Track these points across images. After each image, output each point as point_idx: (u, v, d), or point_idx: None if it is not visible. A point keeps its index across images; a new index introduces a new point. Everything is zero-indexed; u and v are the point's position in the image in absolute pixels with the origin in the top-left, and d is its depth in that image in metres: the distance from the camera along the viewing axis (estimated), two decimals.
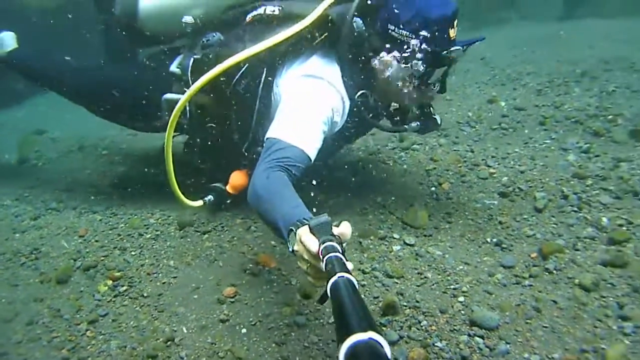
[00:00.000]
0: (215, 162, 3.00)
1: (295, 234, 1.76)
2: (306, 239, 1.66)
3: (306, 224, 1.74)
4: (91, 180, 3.80)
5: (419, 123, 2.70)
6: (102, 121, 3.34)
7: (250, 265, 2.53)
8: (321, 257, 1.54)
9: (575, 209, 3.35)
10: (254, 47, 2.38)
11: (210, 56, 2.70)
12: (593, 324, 2.49)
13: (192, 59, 2.81)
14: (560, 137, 3.93)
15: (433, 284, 2.46)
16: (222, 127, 2.82)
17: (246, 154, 2.78)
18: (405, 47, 2.42)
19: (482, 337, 2.15)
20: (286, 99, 2.43)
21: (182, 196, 2.69)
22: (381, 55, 2.49)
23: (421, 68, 2.43)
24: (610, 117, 4.14)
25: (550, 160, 3.67)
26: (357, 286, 1.35)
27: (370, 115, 2.63)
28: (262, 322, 2.20)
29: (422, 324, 2.22)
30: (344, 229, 1.69)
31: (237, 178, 2.84)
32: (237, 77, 2.66)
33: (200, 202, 2.85)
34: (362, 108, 2.56)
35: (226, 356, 2.04)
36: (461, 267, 2.63)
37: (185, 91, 2.50)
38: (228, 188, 2.82)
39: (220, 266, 2.56)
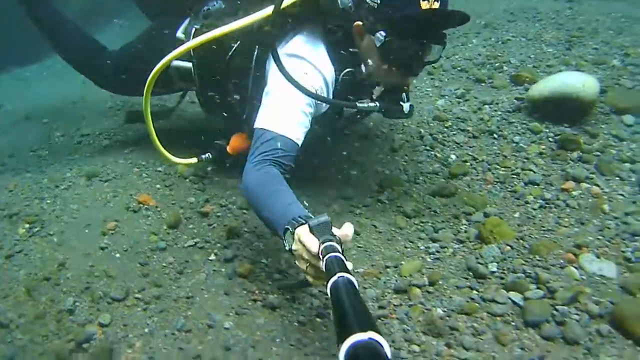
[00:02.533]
0: (220, 122, 3.29)
1: (292, 233, 1.92)
2: (306, 239, 1.81)
3: (303, 223, 1.91)
4: (31, 146, 4.66)
5: (377, 104, 2.73)
6: (50, 94, 3.90)
7: (134, 204, 3.14)
8: (321, 257, 1.67)
9: (428, 147, 3.78)
10: (229, 25, 2.52)
11: (208, 26, 2.83)
12: (404, 245, 2.98)
13: (193, 28, 3.01)
14: (443, 85, 4.39)
15: None
16: (222, 94, 3.09)
17: (245, 120, 2.95)
18: (378, 17, 2.47)
19: None
20: (271, 81, 2.57)
21: (167, 154, 2.98)
22: (356, 24, 2.56)
23: (382, 37, 2.49)
24: (497, 64, 4.57)
25: (421, 106, 4.19)
26: (357, 286, 1.45)
27: (358, 94, 2.78)
28: (132, 248, 2.82)
29: (254, 245, 2.81)
30: (346, 230, 1.86)
31: (237, 141, 3.05)
32: (230, 52, 2.90)
33: (193, 160, 3.13)
34: (348, 87, 2.71)
35: (101, 275, 2.66)
36: (305, 198, 3.21)
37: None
38: (228, 148, 3.04)
39: (110, 206, 3.15)
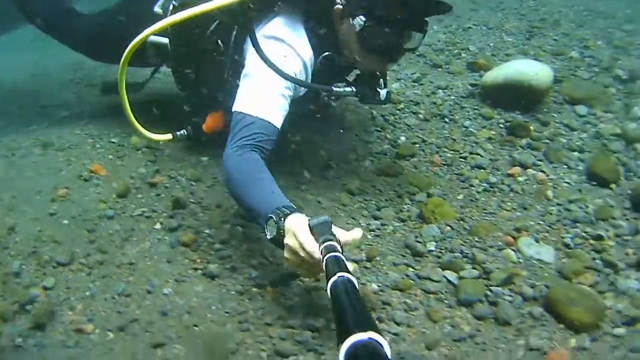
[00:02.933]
0: (196, 100, 3.27)
1: (275, 222, 1.98)
2: (304, 239, 1.86)
3: (288, 213, 1.98)
4: None
5: (353, 89, 2.74)
6: (11, 66, 3.81)
7: (85, 173, 3.20)
8: (321, 256, 1.69)
9: (379, 128, 3.78)
10: (209, 3, 2.47)
11: (186, 3, 2.77)
12: (346, 221, 3.00)
13: (171, 4, 2.99)
14: (400, 69, 4.36)
15: (218, 185, 3.15)
16: (199, 73, 3.08)
17: (222, 101, 2.94)
18: (358, 1, 2.49)
19: (242, 226, 2.77)
20: (249, 63, 2.54)
21: (142, 129, 2.91)
22: (336, 7, 2.56)
23: (361, 22, 2.50)
24: (455, 51, 4.63)
25: None
26: (357, 286, 1.47)
27: (335, 77, 2.77)
28: (80, 215, 2.87)
29: (199, 215, 2.89)
30: (356, 234, 1.96)
31: (213, 119, 3.04)
32: (210, 29, 2.86)
33: (168, 136, 3.09)
34: (326, 70, 2.71)
35: (47, 239, 2.72)
36: None
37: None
38: (204, 126, 3.03)
39: (63, 175, 3.20)
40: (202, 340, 2.21)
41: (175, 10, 2.88)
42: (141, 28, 2.70)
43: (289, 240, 1.93)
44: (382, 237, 2.84)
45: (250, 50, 2.52)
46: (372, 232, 2.87)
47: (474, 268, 2.49)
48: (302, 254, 1.88)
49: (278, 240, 2.01)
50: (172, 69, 3.25)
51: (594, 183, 3.23)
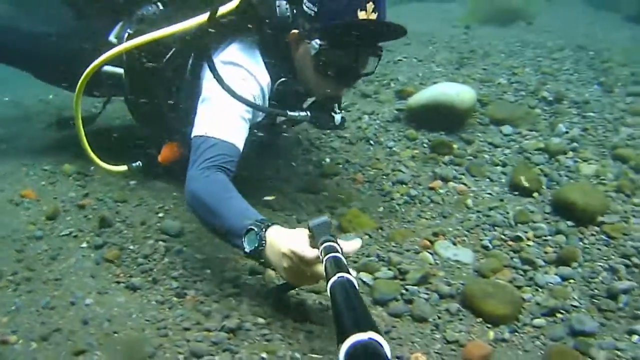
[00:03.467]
0: (150, 131, 3.31)
1: (256, 232, 2.01)
2: (304, 253, 1.90)
3: (268, 225, 2.02)
4: None
5: (308, 113, 2.76)
6: None
7: (17, 197, 3.27)
8: (321, 257, 1.70)
9: (304, 152, 3.84)
10: (162, 30, 2.57)
11: (141, 31, 2.80)
12: None
13: (126, 33, 3.00)
14: None
15: (144, 205, 3.17)
16: (154, 102, 3.04)
17: (177, 129, 2.96)
18: (314, 25, 2.50)
19: (164, 241, 2.79)
20: (207, 89, 2.57)
21: (98, 160, 2.98)
22: (292, 32, 2.59)
23: (317, 45, 2.52)
24: (385, 81, 4.75)
25: None
26: (357, 286, 1.48)
27: (293, 103, 2.81)
28: (10, 235, 2.89)
29: (123, 233, 2.90)
30: (355, 244, 2.00)
31: (168, 150, 3.04)
32: (166, 58, 2.86)
33: (123, 167, 3.11)
34: (282, 96, 2.74)
35: None
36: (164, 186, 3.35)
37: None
38: (159, 158, 3.02)
39: None
40: (122, 346, 2.22)
41: (130, 38, 2.88)
42: (96, 56, 2.78)
43: (285, 262, 1.96)
44: None
45: (207, 76, 2.55)
46: None
47: (389, 269, 2.53)
48: (303, 267, 1.89)
49: (257, 253, 2.03)
50: (127, 98, 3.22)
51: (516, 193, 3.34)
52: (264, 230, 2.01)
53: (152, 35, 2.57)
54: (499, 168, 3.62)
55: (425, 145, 3.83)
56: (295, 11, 2.56)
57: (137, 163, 3.14)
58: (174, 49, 2.82)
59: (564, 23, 7.47)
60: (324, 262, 1.66)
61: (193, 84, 2.78)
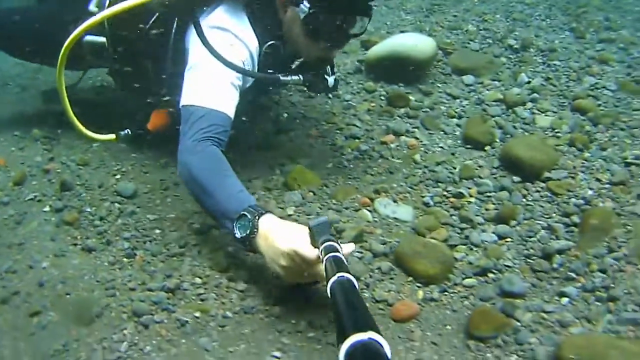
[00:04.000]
0: (138, 99, 3.26)
1: (249, 219, 2.03)
2: (307, 254, 1.91)
3: (261, 212, 2.04)
4: None
5: (300, 77, 2.79)
6: None
7: None
8: (321, 257, 1.71)
9: (263, 108, 3.94)
10: None
11: None
12: None
13: (107, 1, 2.95)
14: None
15: (103, 167, 3.33)
16: (139, 70, 3.03)
17: (165, 98, 2.95)
18: None
19: (119, 202, 2.92)
20: (194, 55, 2.54)
21: (84, 129, 2.97)
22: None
23: (305, 8, 2.52)
24: None
25: None
26: (357, 286, 1.48)
27: (281, 67, 2.80)
28: None
29: (82, 196, 3.04)
30: (348, 248, 2.01)
31: (157, 117, 3.02)
32: (149, 23, 2.83)
33: (111, 136, 3.08)
34: (271, 60, 2.71)
35: None
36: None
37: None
38: (148, 125, 3.01)
39: None
40: (72, 307, 2.36)
41: (110, 4, 2.86)
42: (77, 25, 2.67)
43: (285, 261, 1.97)
44: None
45: (193, 42, 2.55)
46: None
47: None
48: (304, 267, 1.92)
49: (248, 240, 2.05)
50: (111, 68, 3.25)
51: (469, 146, 3.34)
52: (257, 217, 2.03)
53: (124, 4, 2.52)
54: (454, 120, 3.61)
55: (382, 97, 3.80)
56: None
57: (126, 131, 3.11)
58: (157, 14, 2.78)
59: None
60: (324, 262, 1.67)
61: (178, 50, 2.75)
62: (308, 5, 2.46)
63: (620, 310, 2.14)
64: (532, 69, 4.42)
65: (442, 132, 3.46)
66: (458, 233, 2.63)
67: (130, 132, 3.10)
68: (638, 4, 6.05)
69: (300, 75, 2.76)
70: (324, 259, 1.66)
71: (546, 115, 3.77)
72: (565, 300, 2.27)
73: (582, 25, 5.36)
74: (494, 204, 2.82)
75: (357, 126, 3.49)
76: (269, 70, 2.73)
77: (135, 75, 3.09)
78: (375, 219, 2.70)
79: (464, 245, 2.56)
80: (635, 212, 2.82)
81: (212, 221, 2.71)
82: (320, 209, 2.74)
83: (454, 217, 2.74)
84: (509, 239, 2.62)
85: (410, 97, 3.68)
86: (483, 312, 2.15)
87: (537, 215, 2.84)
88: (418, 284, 2.33)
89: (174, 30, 2.76)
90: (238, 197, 2.16)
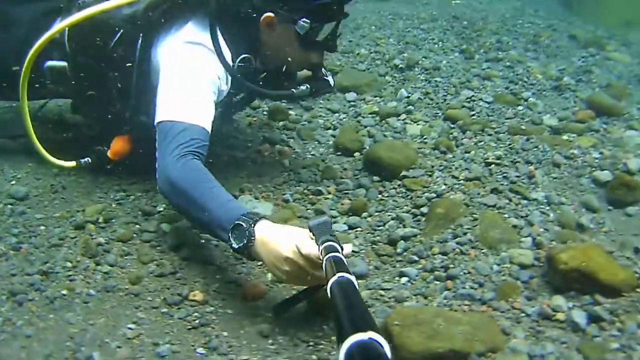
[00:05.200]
0: (99, 126, 3.22)
1: (245, 228, 2.04)
2: (311, 252, 1.90)
3: (256, 219, 2.06)
4: None
5: (308, 86, 2.84)
6: None
7: None
8: (321, 257, 1.71)
9: None
10: (107, 2, 2.53)
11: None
12: (99, 195, 3.28)
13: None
14: None
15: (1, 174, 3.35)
16: (102, 93, 2.95)
17: (129, 120, 2.92)
18: (295, 6, 2.60)
19: (12, 204, 3.03)
20: (167, 71, 2.53)
21: (47, 155, 2.97)
22: (267, 15, 2.63)
23: (306, 24, 2.63)
24: None
25: None
26: (357, 286, 1.48)
27: (254, 81, 2.83)
28: None
29: None
30: (347, 249, 1.93)
31: (118, 144, 2.98)
32: (113, 42, 2.77)
33: (72, 163, 3.05)
34: (244, 74, 2.72)
35: None
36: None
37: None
38: (109, 153, 2.96)
39: None
40: None
41: (71, 27, 2.83)
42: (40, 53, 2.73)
43: (287, 264, 1.99)
44: (123, 205, 3.12)
45: (165, 57, 2.59)
46: (115, 201, 3.15)
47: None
48: (311, 270, 1.93)
49: (246, 249, 2.06)
50: (72, 95, 3.19)
51: (339, 153, 3.56)
52: (252, 225, 2.04)
53: (99, 6, 2.57)
54: (329, 131, 3.85)
55: (265, 112, 3.98)
56: None
57: (86, 159, 3.08)
58: (121, 31, 2.76)
59: None
60: (324, 262, 1.67)
61: (144, 68, 2.78)
62: (308, 21, 2.62)
63: (457, 287, 2.38)
64: (413, 85, 4.75)
65: (316, 142, 3.67)
66: None
67: (90, 160, 3.07)
68: (532, 27, 6.44)
69: (307, 85, 2.86)
70: (324, 259, 1.68)
71: (417, 124, 4.06)
72: (404, 279, 2.50)
73: (473, 47, 5.75)
74: (350, 199, 3.06)
75: (237, 137, 3.63)
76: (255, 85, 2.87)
77: (98, 99, 3.02)
78: None
79: None
80: (485, 203, 3.10)
81: (91, 217, 2.98)
82: None
83: (309, 210, 2.95)
84: (358, 229, 2.86)
85: (290, 112, 3.86)
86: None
87: (389, 208, 3.09)
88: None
89: (138, 48, 2.74)
90: (229, 206, 2.17)
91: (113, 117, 2.99)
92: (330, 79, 2.96)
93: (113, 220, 2.87)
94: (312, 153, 3.54)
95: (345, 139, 3.62)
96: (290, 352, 2.08)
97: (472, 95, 4.46)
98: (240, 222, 2.05)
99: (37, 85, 2.89)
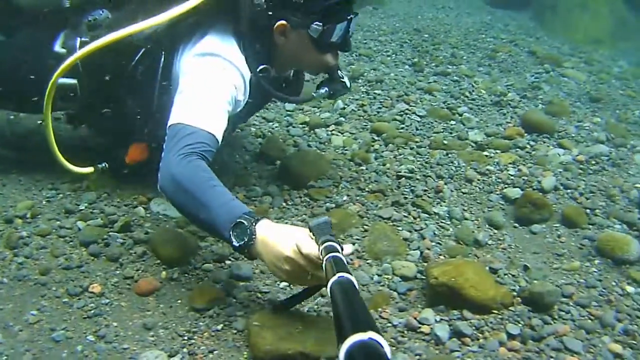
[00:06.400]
0: (110, 141, 3.28)
1: (246, 227, 2.04)
2: (311, 252, 1.90)
3: (257, 218, 2.06)
4: None
5: (327, 89, 2.94)
6: None
7: None
8: (321, 257, 1.72)
9: None
10: (140, 23, 2.50)
11: (98, 36, 2.65)
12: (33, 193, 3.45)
13: (78, 40, 2.87)
14: None
15: None
16: (119, 110, 2.97)
17: (147, 135, 2.95)
18: (307, 11, 2.64)
19: None
20: (185, 80, 2.53)
21: (64, 161, 2.91)
22: (279, 23, 2.67)
23: (318, 27, 2.67)
24: None
25: None
26: (357, 286, 1.49)
27: (275, 88, 2.87)
28: None
29: None
30: (347, 250, 1.90)
31: (135, 151, 3.00)
32: (134, 62, 2.80)
33: (90, 169, 3.03)
34: (265, 83, 2.74)
35: None
36: None
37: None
38: (126, 158, 2.97)
39: None
40: None
41: (85, 44, 2.70)
42: (42, 67, 2.79)
43: (288, 263, 2.00)
44: (52, 202, 3.23)
45: (184, 69, 2.60)
46: (46, 199, 3.27)
47: (101, 219, 3.02)
48: (309, 269, 1.94)
49: (247, 247, 2.06)
50: (83, 111, 3.16)
51: (261, 161, 3.74)
52: (253, 224, 2.04)
53: (133, 28, 2.54)
54: (259, 140, 4.00)
55: None
56: (272, 3, 2.65)
57: (103, 164, 3.07)
58: (143, 49, 2.79)
59: (412, 8, 7.90)
60: (324, 262, 1.68)
61: (164, 85, 2.80)
62: (320, 24, 2.67)
63: None
64: (351, 97, 4.94)
65: (243, 149, 3.85)
66: None
67: (107, 166, 3.07)
68: (494, 41, 6.64)
69: (325, 88, 2.99)
70: (324, 259, 1.68)
71: (343, 136, 4.28)
72: (284, 284, 2.63)
73: (425, 60, 5.94)
74: (255, 206, 3.18)
75: None
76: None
77: (114, 117, 3.05)
78: (148, 215, 3.08)
79: (202, 236, 2.88)
80: (380, 215, 3.31)
81: (20, 212, 3.17)
82: (107, 205, 3.15)
83: None
84: None
85: None
86: (202, 288, 2.54)
87: (288, 216, 3.26)
88: (164, 266, 2.68)
89: (161, 65, 2.78)
90: (231, 205, 2.15)
91: (129, 132, 3.00)
92: (346, 80, 3.01)
93: (39, 216, 3.04)
94: (236, 160, 3.66)
95: (270, 147, 3.77)
96: (166, 344, 2.27)
97: (406, 109, 4.66)
98: (242, 221, 2.05)
99: (36, 99, 2.85)
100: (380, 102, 4.74)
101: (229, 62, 2.57)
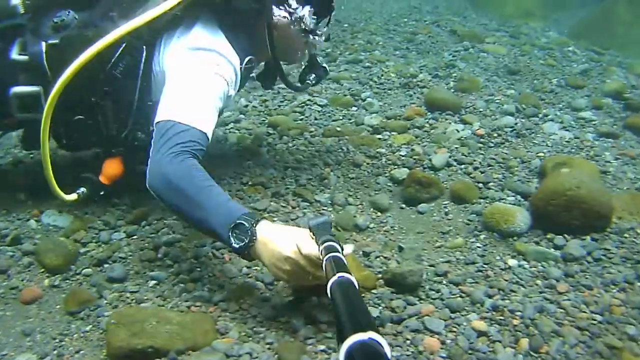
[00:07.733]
0: (83, 152, 3.17)
1: (247, 228, 2.00)
2: (308, 250, 1.90)
3: (258, 219, 2.04)
4: None
5: (314, 75, 2.97)
6: None
7: None
8: (321, 257, 1.71)
9: None
10: (134, 20, 2.43)
11: (74, 39, 2.59)
12: None
13: (43, 45, 2.67)
14: None
15: None
16: (94, 117, 2.77)
17: (124, 140, 2.83)
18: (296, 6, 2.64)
19: None
20: (175, 76, 2.46)
21: (59, 191, 2.80)
22: (265, 13, 2.65)
23: (309, 18, 2.72)
24: None
25: None
26: (357, 286, 1.48)
27: (273, 77, 3.00)
28: None
29: None
30: (347, 250, 1.89)
31: (111, 167, 2.89)
32: (113, 59, 2.63)
33: (73, 196, 2.85)
34: (247, 74, 2.75)
35: None
36: None
37: (49, 82, 2.59)
38: (101, 178, 2.85)
39: None
40: None
41: (54, 48, 2.66)
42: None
43: (289, 263, 1.98)
44: None
45: (174, 62, 2.54)
46: None
47: None
48: (312, 270, 1.92)
49: (247, 248, 2.04)
50: (53, 122, 2.67)
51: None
52: (254, 225, 2.02)
53: (115, 33, 2.47)
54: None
55: None
56: None
57: (81, 190, 2.89)
58: (124, 45, 2.63)
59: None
60: (324, 262, 1.67)
61: (147, 82, 2.74)
62: (313, 10, 2.80)
63: (197, 289, 2.50)
64: (255, 94, 4.99)
65: None
66: (95, 234, 3.02)
67: (86, 190, 2.90)
68: (416, 24, 6.78)
69: (313, 75, 3.05)
70: (324, 259, 1.67)
71: (239, 132, 4.25)
72: (153, 282, 2.63)
73: (340, 50, 6.04)
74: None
75: None
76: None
77: (86, 124, 2.84)
78: (40, 226, 3.13)
79: (94, 242, 2.97)
80: (255, 208, 3.25)
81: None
82: (1, 221, 3.16)
83: (99, 222, 3.10)
84: (134, 237, 2.99)
85: None
86: (74, 292, 2.59)
87: (168, 216, 3.28)
88: (48, 274, 2.72)
89: (142, 61, 2.68)
90: (229, 205, 2.12)
91: (102, 140, 2.92)
92: (325, 64, 3.06)
93: None
94: None
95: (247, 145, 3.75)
96: (40, 347, 2.34)
97: (308, 100, 4.68)
98: (242, 222, 2.02)
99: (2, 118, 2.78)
100: (284, 95, 4.75)
101: (224, 57, 2.53)
